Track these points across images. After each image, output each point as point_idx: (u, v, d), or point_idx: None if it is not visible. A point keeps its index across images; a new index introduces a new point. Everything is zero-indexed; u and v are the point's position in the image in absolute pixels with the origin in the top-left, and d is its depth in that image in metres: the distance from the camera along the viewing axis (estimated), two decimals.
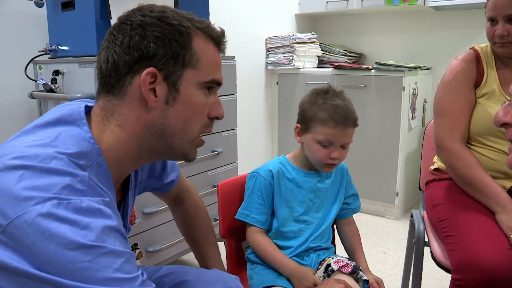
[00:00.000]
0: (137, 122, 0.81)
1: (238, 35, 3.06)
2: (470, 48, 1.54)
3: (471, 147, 1.49)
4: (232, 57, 2.11)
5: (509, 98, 1.40)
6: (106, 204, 0.72)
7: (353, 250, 1.39)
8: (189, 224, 1.27)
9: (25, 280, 0.62)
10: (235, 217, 1.32)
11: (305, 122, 1.27)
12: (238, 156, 2.24)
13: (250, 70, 3.22)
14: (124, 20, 0.82)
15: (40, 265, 0.62)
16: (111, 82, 0.81)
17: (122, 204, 0.98)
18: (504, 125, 0.89)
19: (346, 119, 1.21)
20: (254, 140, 3.34)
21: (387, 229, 2.87)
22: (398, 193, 2.97)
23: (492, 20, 1.41)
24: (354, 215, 1.44)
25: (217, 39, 0.87)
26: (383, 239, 2.70)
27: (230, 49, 2.75)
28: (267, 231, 1.32)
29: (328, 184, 1.34)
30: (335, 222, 1.43)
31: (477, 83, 1.47)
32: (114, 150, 0.81)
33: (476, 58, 1.49)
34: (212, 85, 0.86)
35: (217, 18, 2.37)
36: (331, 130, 1.21)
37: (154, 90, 0.80)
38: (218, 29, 0.88)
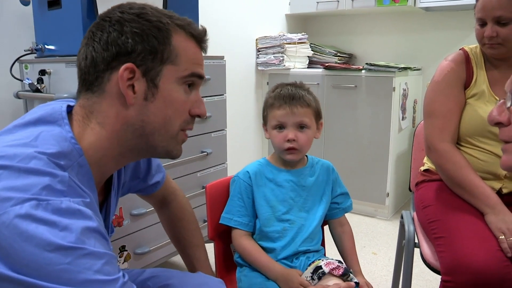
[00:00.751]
0: (116, 120, 0.80)
1: (228, 36, 3.04)
2: (459, 49, 1.54)
3: (461, 148, 1.48)
4: (222, 57, 2.10)
5: (498, 98, 1.41)
6: (87, 205, 0.70)
7: (346, 252, 1.37)
8: (175, 226, 1.26)
9: (2, 283, 0.61)
10: (219, 222, 1.31)
11: (264, 116, 1.33)
12: (228, 157, 2.22)
13: (240, 71, 3.20)
14: (104, 17, 0.82)
15: (18, 267, 0.61)
16: (90, 79, 0.80)
17: (105, 205, 0.96)
18: (498, 124, 0.88)
19: (291, 99, 1.25)
20: (244, 140, 3.33)
21: (377, 229, 2.87)
22: (388, 193, 2.97)
23: (481, 22, 1.40)
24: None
25: (198, 36, 0.86)
26: (373, 240, 2.70)
27: (220, 49, 2.75)
28: (252, 233, 1.31)
29: (311, 182, 1.33)
30: (327, 223, 1.42)
31: (466, 84, 1.47)
32: (94, 149, 0.79)
33: (466, 59, 1.49)
34: (193, 80, 0.85)
35: (206, 18, 2.35)
36: (278, 111, 1.26)
37: (132, 86, 0.79)
38: (200, 27, 0.87)
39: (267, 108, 1.31)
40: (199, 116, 0.88)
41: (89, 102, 0.81)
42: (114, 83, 0.78)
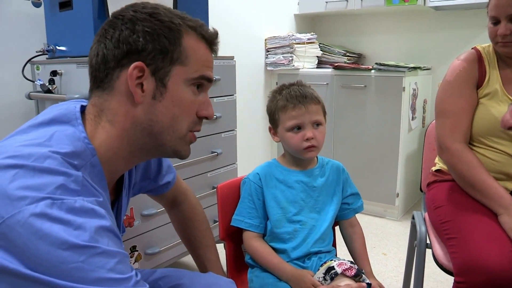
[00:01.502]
0: (125, 118, 0.80)
1: (237, 36, 3.05)
2: (472, 48, 1.53)
3: (473, 148, 1.47)
4: (232, 58, 2.10)
5: (511, 98, 1.40)
6: (100, 204, 0.71)
7: (357, 253, 1.36)
8: (186, 226, 1.26)
9: (18, 280, 0.61)
10: (231, 223, 1.31)
11: (273, 120, 1.31)
12: (238, 157, 2.22)
13: (249, 71, 3.21)
14: (117, 15, 0.82)
15: (33, 265, 0.61)
16: (100, 76, 0.81)
17: (116, 204, 0.96)
18: (511, 128, 0.88)
19: (303, 97, 1.25)
20: (254, 141, 3.33)
21: (387, 230, 2.85)
22: (398, 194, 2.96)
23: (495, 20, 1.39)
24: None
25: (209, 39, 0.86)
26: (383, 241, 2.69)
27: (229, 49, 2.75)
28: (264, 235, 1.31)
29: (321, 183, 1.32)
30: (338, 223, 1.42)
31: (479, 83, 1.46)
32: (105, 148, 0.80)
33: (478, 58, 1.48)
34: (202, 82, 0.86)
35: (216, 18, 2.36)
36: (293, 112, 1.25)
37: (141, 85, 0.79)
38: (211, 29, 0.88)
39: (277, 111, 1.28)
40: (206, 117, 0.88)
41: (100, 100, 0.82)
42: (123, 81, 0.79)
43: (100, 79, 0.81)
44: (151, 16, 0.80)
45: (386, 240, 2.70)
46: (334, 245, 1.42)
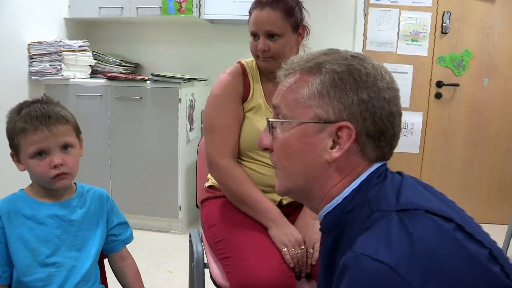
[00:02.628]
0: None
1: None
2: (237, 62, 1.54)
3: (242, 162, 1.47)
4: None
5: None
6: None
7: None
8: None
9: None
10: None
11: (13, 145, 1.09)
12: None
13: (8, 80, 2.74)
14: None
15: None
16: None
17: None
18: (266, 149, 0.87)
19: (45, 118, 1.06)
20: (6, 166, 2.74)
21: (172, 245, 2.77)
22: (180, 207, 2.91)
23: (254, 35, 1.42)
24: (135, 237, 1.30)
25: None
26: (169, 257, 2.60)
27: None
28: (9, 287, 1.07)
29: (81, 215, 1.15)
30: (107, 257, 1.26)
31: (244, 97, 1.47)
32: None
33: (243, 72, 1.49)
34: None
35: None
36: (34, 136, 1.04)
37: None
38: None
39: (16, 135, 1.07)
40: None
41: None
42: None
43: None
44: None
45: (171, 256, 2.62)
46: (103, 282, 1.25)
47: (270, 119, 0.86)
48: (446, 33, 3.16)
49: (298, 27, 1.42)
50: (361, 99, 0.78)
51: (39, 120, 1.05)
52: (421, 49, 3.19)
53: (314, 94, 0.79)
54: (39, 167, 1.06)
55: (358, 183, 0.80)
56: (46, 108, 1.08)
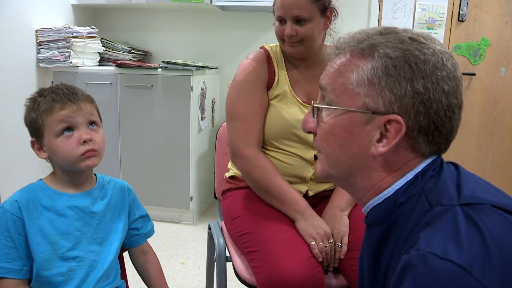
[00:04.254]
0: None
1: None
2: (260, 48, 1.47)
3: (266, 151, 1.41)
4: None
5: (299, 99, 1.38)
6: None
7: (154, 283, 1.19)
8: None
9: None
10: None
11: (35, 129, 1.04)
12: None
13: (17, 67, 2.67)
14: None
15: None
16: None
17: None
18: (310, 132, 0.81)
19: (73, 94, 1.03)
20: (21, 155, 2.60)
21: (184, 236, 2.73)
22: (192, 197, 2.85)
23: (281, 20, 1.35)
24: None
25: None
26: (180, 248, 2.55)
27: None
28: (30, 280, 1.02)
29: (103, 206, 1.09)
30: (128, 251, 1.21)
31: (269, 84, 1.40)
32: None
33: (267, 58, 1.42)
34: None
35: None
36: (62, 112, 1.01)
37: None
38: None
39: (40, 116, 1.01)
40: None
41: None
42: None
43: None
44: None
45: (183, 248, 2.57)
46: (123, 277, 1.20)
47: (315, 104, 0.79)
48: (463, 21, 3.09)
49: (326, 10, 1.35)
50: (416, 90, 0.70)
51: (66, 97, 1.02)
52: (437, 37, 3.09)
53: (364, 81, 0.72)
54: (67, 144, 1.00)
55: (411, 176, 0.73)
56: (71, 88, 1.05)
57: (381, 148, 0.72)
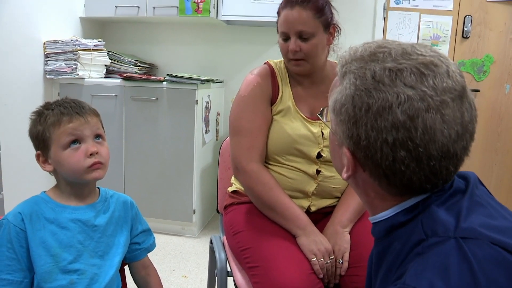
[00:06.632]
0: None
1: (7, 36, 2.53)
2: (264, 63, 1.48)
3: (269, 166, 1.42)
4: None
5: (303, 115, 1.38)
6: None
7: None
8: None
9: None
10: None
11: (42, 141, 1.05)
12: (5, 187, 1.79)
13: (24, 78, 2.70)
14: None
15: None
16: None
17: None
18: None
19: (80, 108, 1.06)
20: (27, 165, 2.58)
21: (186, 249, 2.72)
22: (195, 210, 2.85)
23: (285, 36, 1.36)
24: None
25: None
26: (182, 262, 2.55)
27: None
28: None
29: (105, 220, 1.10)
30: (128, 265, 1.21)
31: (273, 100, 1.41)
32: None
33: (271, 73, 1.43)
34: None
35: None
36: (70, 125, 1.03)
37: None
38: None
39: (47, 129, 1.03)
40: None
41: None
42: None
43: None
44: None
45: (185, 261, 2.56)
46: None
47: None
48: (467, 38, 3.10)
49: (329, 26, 1.36)
50: (359, 135, 0.67)
51: (74, 110, 1.04)
52: None
53: (332, 108, 0.72)
54: (74, 156, 1.02)
55: (409, 204, 0.70)
56: (77, 102, 1.08)
57: (344, 174, 0.73)
